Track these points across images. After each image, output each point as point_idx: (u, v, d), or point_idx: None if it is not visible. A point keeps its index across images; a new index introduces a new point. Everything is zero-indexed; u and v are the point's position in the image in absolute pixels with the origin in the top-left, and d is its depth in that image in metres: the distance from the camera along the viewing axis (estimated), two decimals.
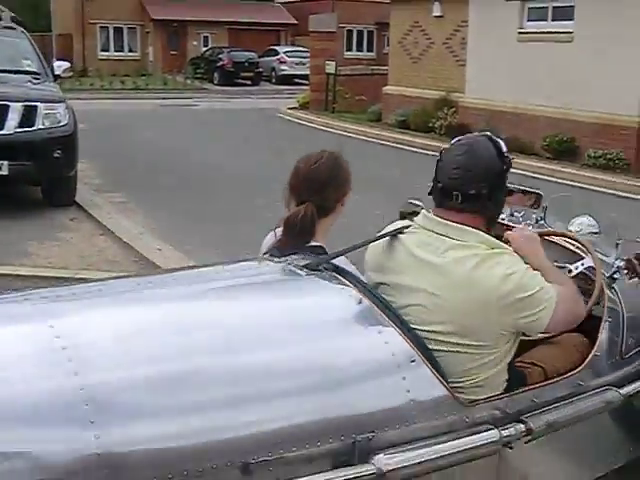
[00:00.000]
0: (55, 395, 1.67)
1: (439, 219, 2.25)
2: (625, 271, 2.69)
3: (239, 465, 1.72)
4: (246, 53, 32.54)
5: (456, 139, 2.36)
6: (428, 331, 2.16)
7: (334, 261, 2.27)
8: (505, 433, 2.11)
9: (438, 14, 15.88)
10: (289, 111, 20.17)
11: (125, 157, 12.13)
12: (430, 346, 2.14)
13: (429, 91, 15.92)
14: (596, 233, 3.07)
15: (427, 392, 2.03)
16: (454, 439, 2.02)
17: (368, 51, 39.39)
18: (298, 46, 35.41)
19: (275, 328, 2.00)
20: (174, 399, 1.74)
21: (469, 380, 2.18)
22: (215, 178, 10.41)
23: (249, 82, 31.63)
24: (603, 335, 2.51)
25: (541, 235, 2.61)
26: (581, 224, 3.10)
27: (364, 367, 1.99)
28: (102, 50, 36.44)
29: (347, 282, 2.16)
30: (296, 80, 31.78)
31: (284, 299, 2.21)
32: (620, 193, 10.40)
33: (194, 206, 8.53)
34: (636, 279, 2.72)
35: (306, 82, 25.85)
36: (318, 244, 2.49)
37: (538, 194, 3.01)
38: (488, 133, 2.38)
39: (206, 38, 36.62)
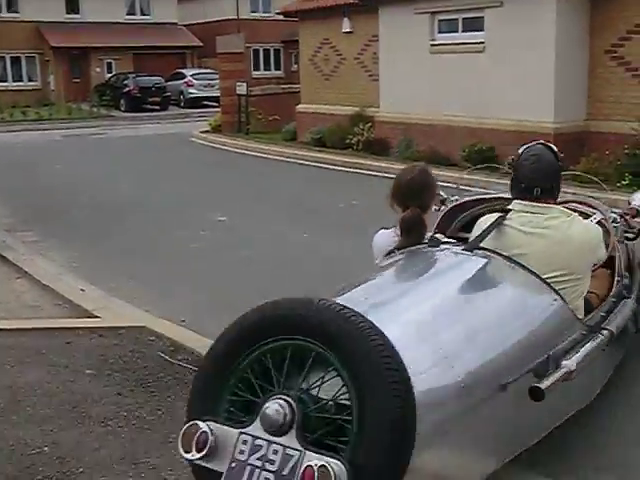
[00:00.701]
0: None
1: (532, 204, 3.35)
2: (621, 219, 4.15)
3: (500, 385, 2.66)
4: (152, 78, 31.93)
5: (525, 147, 3.47)
6: (550, 277, 3.19)
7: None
8: (603, 336, 3.28)
9: (348, 30, 15.87)
10: (202, 135, 19.77)
11: (34, 193, 11.51)
12: (555, 286, 3.16)
13: (343, 107, 15.88)
14: None
15: (567, 318, 3.17)
16: (587, 342, 3.13)
17: (276, 69, 39.37)
18: (205, 68, 35.04)
19: (486, 290, 3.09)
20: (471, 344, 2.68)
21: (575, 304, 3.29)
22: (132, 210, 9.95)
23: (157, 107, 31.03)
24: (617, 266, 3.82)
25: (567, 202, 3.96)
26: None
27: (542, 312, 3.08)
28: (0, 81, 35.06)
29: (495, 255, 3.18)
30: (205, 102, 31.37)
31: (475, 272, 3.10)
32: None
33: (113, 241, 8.11)
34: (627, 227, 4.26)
35: (216, 104, 25.51)
36: (435, 235, 3.50)
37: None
38: (542, 141, 3.54)
39: (110, 64, 35.72)
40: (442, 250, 3.23)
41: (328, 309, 2.38)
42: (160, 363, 4.36)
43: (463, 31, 12.83)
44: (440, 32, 13.28)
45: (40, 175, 13.52)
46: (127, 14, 37.14)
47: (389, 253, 3.37)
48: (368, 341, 2.24)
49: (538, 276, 3.13)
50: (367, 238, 7.74)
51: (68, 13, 35.56)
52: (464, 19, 12.76)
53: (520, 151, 3.47)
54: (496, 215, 3.43)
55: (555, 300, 3.11)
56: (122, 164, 15.01)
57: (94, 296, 5.92)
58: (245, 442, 2.29)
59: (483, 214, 3.69)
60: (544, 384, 2.71)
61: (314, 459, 2.14)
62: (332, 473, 2.08)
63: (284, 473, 2.19)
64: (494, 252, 3.20)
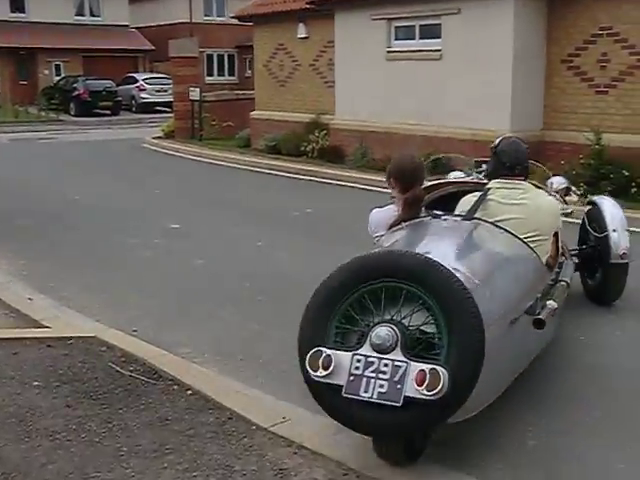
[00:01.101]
0: None
1: (509, 181, 4.39)
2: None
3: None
4: (103, 81, 31.42)
5: (502, 138, 4.63)
6: (527, 237, 4.12)
7: None
8: (563, 286, 4.42)
9: (303, 35, 15.82)
10: (154, 141, 19.51)
11: None
12: (531, 245, 4.12)
13: (298, 114, 15.84)
14: (567, 187, 5.82)
15: (542, 270, 4.22)
16: (556, 290, 4.28)
17: (230, 75, 39.17)
18: (157, 72, 34.66)
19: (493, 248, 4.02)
20: None
21: (543, 260, 4.25)
22: (83, 218, 9.73)
23: (108, 112, 30.50)
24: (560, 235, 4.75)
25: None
26: (557, 181, 5.79)
27: (527, 263, 4.06)
28: None
29: (486, 222, 4.09)
30: (158, 108, 31.02)
31: (476, 233, 4.01)
32: None
33: (64, 249, 7.90)
34: None
35: (168, 109, 25.26)
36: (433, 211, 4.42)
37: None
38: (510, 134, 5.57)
39: (58, 66, 35.06)
40: (445, 219, 4.12)
41: (414, 257, 3.17)
42: (111, 374, 4.24)
43: (420, 38, 12.79)
44: (397, 39, 13.21)
45: None
46: (76, 14, 36.53)
47: (391, 226, 4.09)
48: (451, 280, 3.02)
49: (518, 237, 4.06)
50: (320, 246, 7.74)
51: (13, 12, 34.76)
52: (421, 26, 12.71)
53: (497, 141, 4.57)
54: (477, 193, 4.40)
55: (533, 255, 4.10)
56: (72, 170, 14.69)
57: (43, 305, 5.74)
58: (359, 360, 2.98)
59: (454, 194, 4.98)
60: (544, 316, 3.58)
61: (422, 365, 2.88)
62: (440, 374, 2.82)
63: (395, 379, 2.90)
64: (484, 220, 4.12)
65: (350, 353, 3.02)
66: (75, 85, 30.85)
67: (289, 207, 10.30)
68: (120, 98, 31.61)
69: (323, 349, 3.05)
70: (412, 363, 2.91)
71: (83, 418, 3.69)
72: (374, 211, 4.49)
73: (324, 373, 3.01)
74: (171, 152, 17.80)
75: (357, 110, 13.85)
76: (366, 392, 2.92)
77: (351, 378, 2.97)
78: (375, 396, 2.91)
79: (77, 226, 9.04)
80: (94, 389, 4.04)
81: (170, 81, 25.14)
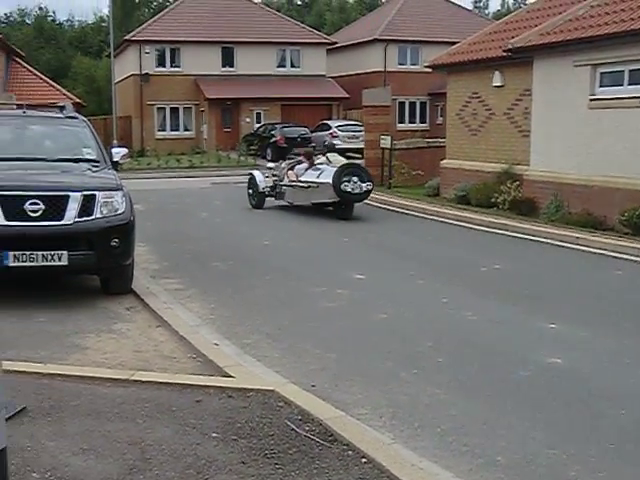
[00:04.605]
0: None
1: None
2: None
3: None
4: (298, 128, 32.78)
5: None
6: None
7: None
8: None
9: (499, 84, 15.48)
10: None
11: (181, 239, 11.91)
12: None
13: (490, 164, 15.46)
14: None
15: None
16: None
17: (421, 122, 39.43)
18: (350, 120, 35.57)
19: None
20: None
21: None
22: (270, 263, 10.02)
23: None
24: None
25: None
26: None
27: None
28: (159, 130, 37.27)
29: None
30: (349, 154, 31.72)
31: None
32: None
33: (250, 295, 8.12)
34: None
35: (359, 156, 25.72)
36: None
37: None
38: None
39: (259, 114, 37.13)
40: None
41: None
42: (287, 432, 4.19)
43: (630, 84, 11.90)
44: (602, 85, 12.43)
45: (187, 223, 14.01)
46: (278, 66, 38.62)
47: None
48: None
49: None
50: (511, 310, 7.29)
51: (224, 67, 37.47)
52: (631, 71, 11.84)
53: None
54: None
55: None
56: (260, 214, 15.30)
57: (227, 352, 5.89)
58: None
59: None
60: None
61: None
62: None
63: None
64: None
65: None
66: (273, 132, 32.42)
67: (477, 262, 9.96)
68: (314, 144, 32.72)
69: None
70: None
71: (256, 477, 3.66)
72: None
73: None
74: None
75: (553, 161, 13.25)
76: None
77: None
78: None
79: (265, 271, 9.30)
80: (269, 447, 4.00)
81: (362, 128, 25.65)
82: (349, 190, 13.24)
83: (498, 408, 4.87)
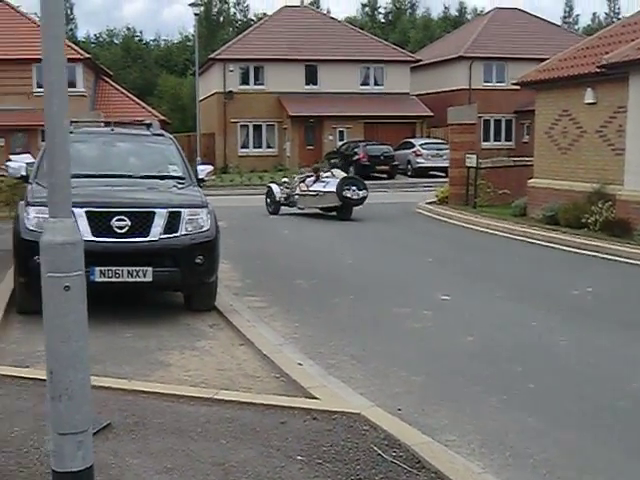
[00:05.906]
0: None
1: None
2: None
3: None
4: (381, 147, 32.71)
5: None
6: None
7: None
8: None
9: (591, 101, 14.96)
10: (428, 206, 19.66)
11: (263, 257, 11.97)
12: None
13: (580, 183, 14.93)
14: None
15: None
16: None
17: (506, 140, 38.75)
18: (434, 138, 35.27)
19: None
20: None
21: None
22: (353, 282, 9.91)
23: (385, 175, 31.60)
24: None
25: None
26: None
27: None
28: (242, 147, 37.89)
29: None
30: (432, 172, 31.45)
31: None
32: None
33: (333, 314, 8.03)
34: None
35: (443, 174, 25.43)
36: None
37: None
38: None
39: (342, 132, 37.28)
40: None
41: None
42: (373, 457, 4.07)
43: None
44: None
45: (270, 240, 14.10)
46: (361, 84, 38.70)
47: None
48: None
49: None
50: (606, 337, 6.93)
51: (307, 84, 37.83)
52: None
53: None
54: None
55: None
56: (346, 233, 15.25)
57: (311, 372, 5.80)
58: None
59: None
60: None
61: None
62: None
63: None
64: None
65: None
66: (356, 150, 32.46)
67: (567, 284, 9.60)
68: (397, 162, 32.61)
69: None
70: None
71: None
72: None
73: None
74: (444, 219, 17.75)
75: None
76: None
77: None
78: None
79: (349, 291, 9.20)
80: (355, 472, 3.89)
81: (446, 146, 25.39)
82: (349, 196, 16.85)
83: (593, 440, 4.61)
